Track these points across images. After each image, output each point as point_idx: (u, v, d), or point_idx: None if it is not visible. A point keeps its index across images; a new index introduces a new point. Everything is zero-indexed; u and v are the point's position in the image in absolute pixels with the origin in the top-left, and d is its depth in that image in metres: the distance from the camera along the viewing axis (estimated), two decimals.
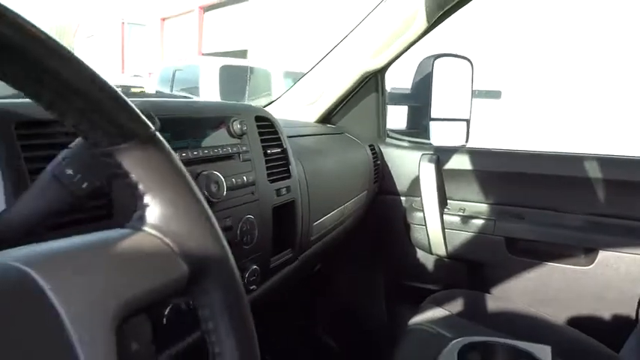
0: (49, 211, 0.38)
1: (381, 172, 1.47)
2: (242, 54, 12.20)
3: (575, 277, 1.28)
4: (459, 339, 0.74)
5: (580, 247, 1.28)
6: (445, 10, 1.22)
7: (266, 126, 0.85)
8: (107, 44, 18.56)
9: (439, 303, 1.25)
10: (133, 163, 0.31)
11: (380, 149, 1.48)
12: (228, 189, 0.70)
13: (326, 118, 1.49)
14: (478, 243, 1.36)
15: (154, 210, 0.32)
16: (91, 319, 0.25)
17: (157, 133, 0.32)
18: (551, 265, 1.30)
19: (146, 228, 0.31)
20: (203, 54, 13.88)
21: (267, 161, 0.82)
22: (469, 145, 1.69)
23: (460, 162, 1.40)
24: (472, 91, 1.77)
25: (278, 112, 1.46)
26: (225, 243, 0.34)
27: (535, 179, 1.32)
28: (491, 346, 0.73)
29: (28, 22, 0.25)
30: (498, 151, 1.42)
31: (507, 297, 1.33)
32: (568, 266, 1.29)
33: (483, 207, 1.39)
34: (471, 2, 1.25)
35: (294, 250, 0.90)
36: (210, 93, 6.32)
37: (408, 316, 1.29)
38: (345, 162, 1.23)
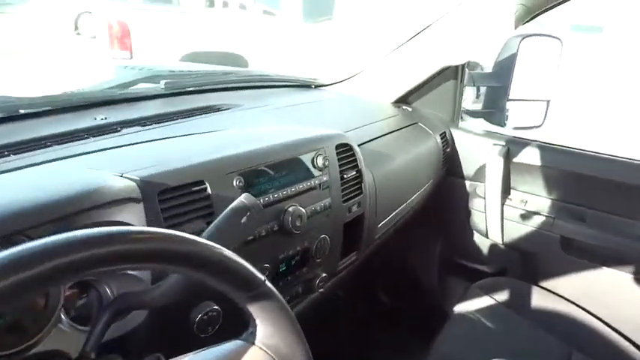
0: None
1: (449, 156, 1.54)
2: None
3: (627, 284, 1.34)
4: None
5: (636, 256, 1.32)
6: (534, 15, 1.20)
7: (345, 151, 0.96)
8: None
9: (487, 290, 1.37)
10: (251, 307, 0.45)
11: (451, 134, 1.54)
12: (308, 217, 0.84)
13: (402, 99, 1.55)
14: (535, 236, 1.44)
15: (262, 332, 0.46)
16: None
17: (266, 282, 0.46)
18: (605, 269, 1.36)
19: (257, 342, 0.47)
20: None
21: (342, 184, 0.94)
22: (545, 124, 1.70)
23: (530, 156, 1.44)
24: (559, 70, 1.73)
25: (358, 88, 1.55)
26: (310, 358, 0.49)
27: (602, 183, 1.34)
28: None
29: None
30: (570, 150, 1.43)
31: (556, 291, 1.42)
32: (621, 273, 1.34)
33: (545, 202, 1.44)
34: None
35: (359, 253, 1.05)
36: (292, 9, 6.23)
37: (457, 290, 1.43)
38: (415, 157, 1.32)
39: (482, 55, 1.37)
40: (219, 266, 0.42)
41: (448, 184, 1.57)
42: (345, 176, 0.94)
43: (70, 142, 0.82)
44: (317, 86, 1.61)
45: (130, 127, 0.93)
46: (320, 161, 0.87)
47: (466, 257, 1.60)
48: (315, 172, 0.87)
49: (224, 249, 0.43)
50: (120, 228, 0.39)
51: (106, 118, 0.95)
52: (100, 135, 0.87)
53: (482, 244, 1.57)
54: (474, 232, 1.57)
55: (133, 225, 0.62)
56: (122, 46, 4.75)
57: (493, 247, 1.55)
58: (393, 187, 1.17)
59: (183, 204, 0.67)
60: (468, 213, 1.55)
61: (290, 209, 0.80)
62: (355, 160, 0.98)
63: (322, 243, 0.90)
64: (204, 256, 0.42)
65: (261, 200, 0.77)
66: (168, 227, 0.64)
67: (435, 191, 1.52)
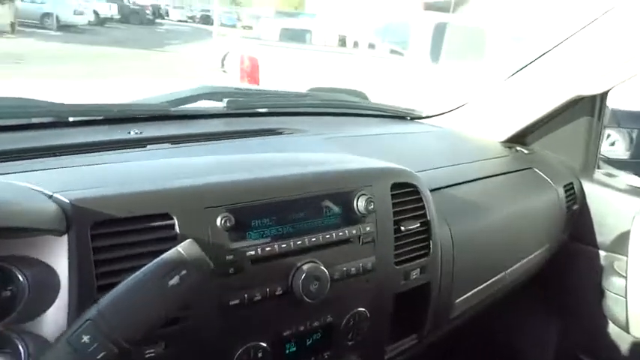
0: None
1: (577, 216, 1.17)
2: (447, 4, 11.58)
3: None
4: None
5: None
6: None
7: (407, 193, 0.70)
8: None
9: None
10: None
11: (582, 186, 1.18)
12: (334, 281, 0.59)
13: (517, 139, 1.23)
14: None
15: None
16: None
17: None
18: None
19: None
20: None
21: (397, 239, 0.68)
22: None
23: None
24: None
25: (462, 122, 1.27)
26: None
27: None
28: None
29: None
30: None
31: None
32: None
33: None
34: None
35: (421, 336, 0.76)
36: (420, 49, 6.09)
37: None
38: (524, 211, 1.00)
39: (629, 84, 1.01)
40: None
41: (572, 253, 1.20)
42: (402, 228, 0.68)
43: (84, 153, 0.74)
44: (413, 118, 1.37)
45: (158, 143, 0.81)
46: (362, 203, 0.62)
47: (594, 354, 1.18)
48: (354, 218, 0.63)
49: None
50: None
51: (140, 133, 0.85)
52: (118, 149, 0.76)
53: (619, 339, 1.15)
54: (608, 321, 1.16)
55: (45, 264, 0.45)
56: (251, 80, 4.98)
57: (636, 346, 1.12)
58: (482, 250, 0.86)
59: (130, 244, 0.48)
60: (601, 294, 1.15)
61: (304, 267, 0.57)
62: (422, 206, 0.71)
63: (357, 319, 0.64)
64: None
65: (259, 250, 0.55)
66: (99, 275, 0.46)
67: (553, 260, 1.16)
